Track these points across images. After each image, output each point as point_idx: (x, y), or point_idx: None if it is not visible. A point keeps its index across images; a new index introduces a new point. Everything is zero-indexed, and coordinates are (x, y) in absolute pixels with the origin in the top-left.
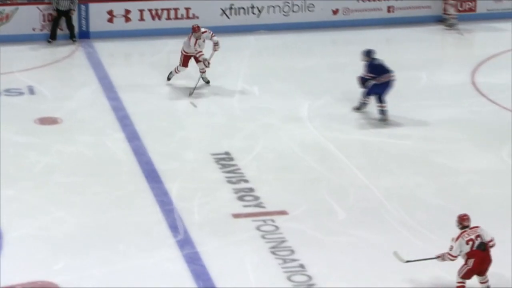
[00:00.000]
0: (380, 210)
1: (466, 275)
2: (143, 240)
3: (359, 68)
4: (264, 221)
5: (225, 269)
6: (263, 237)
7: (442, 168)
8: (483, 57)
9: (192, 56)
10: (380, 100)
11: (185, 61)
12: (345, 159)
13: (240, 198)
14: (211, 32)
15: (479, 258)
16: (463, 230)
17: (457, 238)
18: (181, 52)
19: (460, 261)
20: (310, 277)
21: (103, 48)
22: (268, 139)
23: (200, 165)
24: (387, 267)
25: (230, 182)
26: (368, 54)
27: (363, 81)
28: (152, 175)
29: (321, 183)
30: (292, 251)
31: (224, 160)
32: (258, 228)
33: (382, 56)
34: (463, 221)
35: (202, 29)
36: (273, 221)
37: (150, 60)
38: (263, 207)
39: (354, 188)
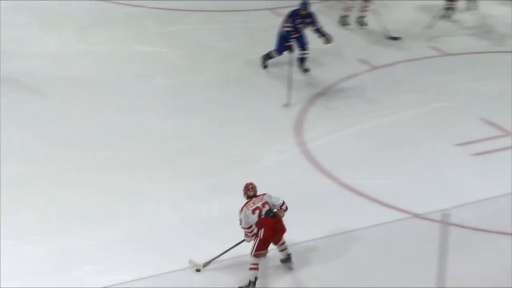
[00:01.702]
0: None
1: (259, 248)
2: None
3: None
4: None
5: None
6: None
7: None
8: None
9: None
10: None
11: None
12: None
13: None
14: None
15: (269, 225)
16: (247, 200)
17: (241, 209)
18: None
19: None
20: None
21: None
22: None
23: None
24: None
25: None
26: None
27: None
28: None
29: None
30: None
31: None
32: None
33: None
34: (247, 191)
35: None
36: None
37: None
38: None
39: None
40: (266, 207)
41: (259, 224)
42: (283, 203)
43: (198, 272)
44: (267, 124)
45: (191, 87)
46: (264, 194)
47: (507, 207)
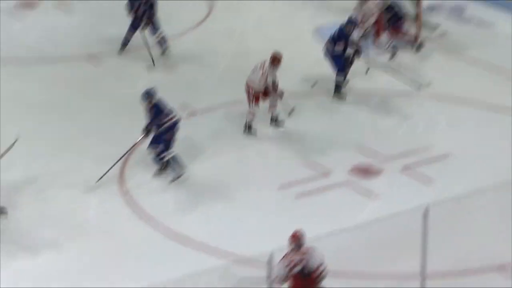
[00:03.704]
0: None
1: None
2: None
3: None
4: None
5: None
6: None
7: None
8: None
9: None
10: None
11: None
12: None
13: None
14: None
15: (299, 282)
16: (291, 250)
17: (282, 258)
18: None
19: None
20: None
21: None
22: None
23: None
24: None
25: None
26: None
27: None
28: None
29: None
30: None
31: None
32: None
33: None
34: (297, 241)
35: None
36: None
37: None
38: None
39: None
40: (304, 263)
41: (290, 278)
42: (320, 265)
43: None
44: (88, 174)
45: None
46: (308, 249)
47: (329, 248)
